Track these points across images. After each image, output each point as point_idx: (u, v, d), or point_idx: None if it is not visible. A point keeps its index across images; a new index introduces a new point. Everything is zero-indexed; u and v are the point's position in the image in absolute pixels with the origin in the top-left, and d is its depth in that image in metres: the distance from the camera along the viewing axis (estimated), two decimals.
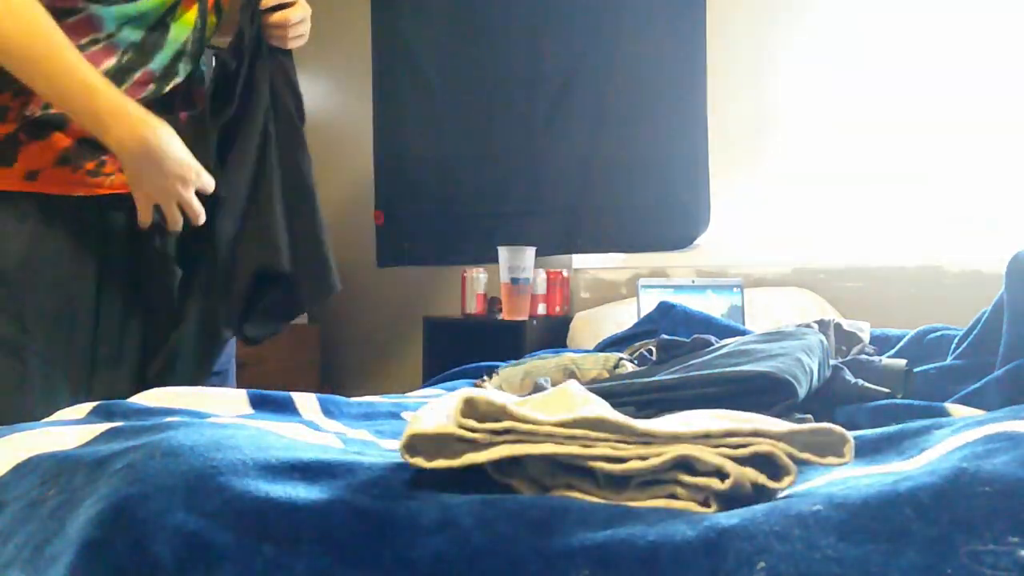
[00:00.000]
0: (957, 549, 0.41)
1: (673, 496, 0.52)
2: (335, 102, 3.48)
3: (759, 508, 0.48)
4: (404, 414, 1.01)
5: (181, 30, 1.18)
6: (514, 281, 2.42)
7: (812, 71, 2.48)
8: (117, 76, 1.11)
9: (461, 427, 0.55)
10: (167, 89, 1.19)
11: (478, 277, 2.69)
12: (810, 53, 2.49)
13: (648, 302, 2.03)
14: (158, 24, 1.15)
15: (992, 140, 2.24)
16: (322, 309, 3.36)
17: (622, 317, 2.27)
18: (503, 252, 2.43)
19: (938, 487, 0.46)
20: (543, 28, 2.86)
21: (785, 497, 0.53)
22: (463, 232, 2.98)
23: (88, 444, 0.66)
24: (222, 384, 1.26)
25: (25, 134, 1.09)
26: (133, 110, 1.06)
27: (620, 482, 0.53)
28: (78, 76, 1.02)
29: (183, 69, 1.21)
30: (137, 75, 1.15)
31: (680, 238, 2.63)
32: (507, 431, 0.54)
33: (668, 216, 2.65)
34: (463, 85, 3.01)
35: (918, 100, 2.32)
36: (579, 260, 2.85)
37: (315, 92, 3.52)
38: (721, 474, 0.51)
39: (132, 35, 1.13)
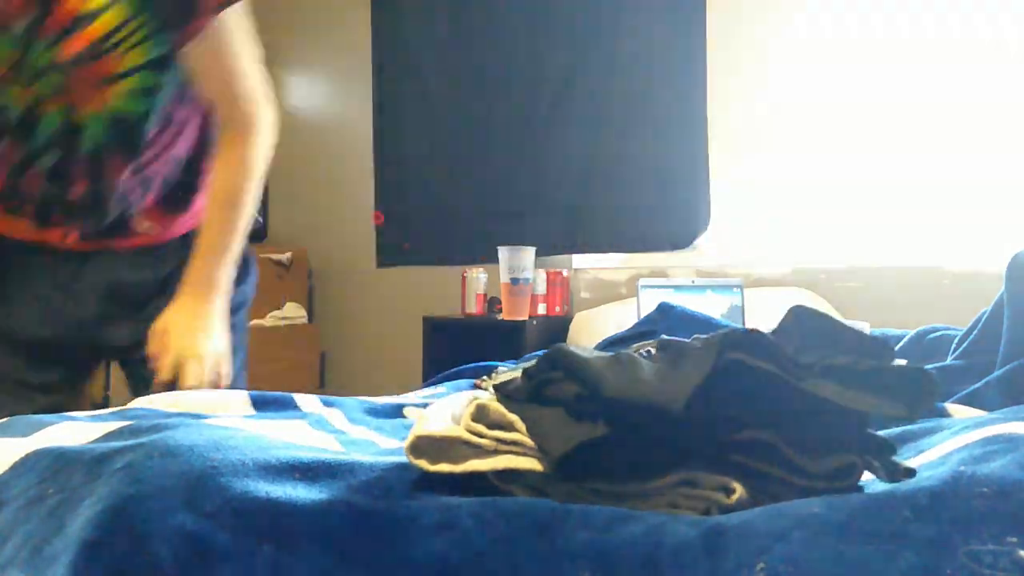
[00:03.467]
0: (956, 549, 0.41)
1: (674, 506, 0.52)
2: (335, 102, 3.48)
3: (759, 510, 0.48)
4: (407, 411, 1.01)
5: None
6: (514, 281, 2.42)
7: (812, 71, 2.48)
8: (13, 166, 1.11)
9: (470, 431, 0.55)
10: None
11: (478, 277, 2.69)
12: (810, 53, 2.48)
13: (648, 302, 2.02)
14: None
15: (992, 140, 2.24)
16: (322, 309, 3.36)
17: (622, 317, 2.27)
18: (503, 252, 2.43)
19: (936, 489, 0.46)
20: (543, 28, 2.86)
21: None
22: (463, 232, 2.98)
23: (89, 442, 0.66)
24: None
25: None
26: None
27: (620, 494, 0.53)
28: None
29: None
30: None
31: (680, 238, 2.63)
32: (514, 443, 0.55)
33: (668, 216, 2.65)
34: (463, 85, 3.01)
35: (919, 100, 2.32)
36: (579, 260, 2.85)
37: (315, 92, 3.52)
38: (727, 489, 0.51)
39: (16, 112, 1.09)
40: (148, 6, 1.00)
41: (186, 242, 1.23)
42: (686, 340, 0.60)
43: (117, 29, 0.99)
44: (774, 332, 0.57)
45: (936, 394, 0.53)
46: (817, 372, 0.54)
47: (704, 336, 0.58)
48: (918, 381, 0.53)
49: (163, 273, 1.22)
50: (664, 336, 1.31)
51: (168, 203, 1.23)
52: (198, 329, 1.12)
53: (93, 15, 0.98)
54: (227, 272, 1.17)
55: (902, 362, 0.55)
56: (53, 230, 1.16)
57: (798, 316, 0.58)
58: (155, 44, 1.03)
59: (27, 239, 1.16)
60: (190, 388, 1.08)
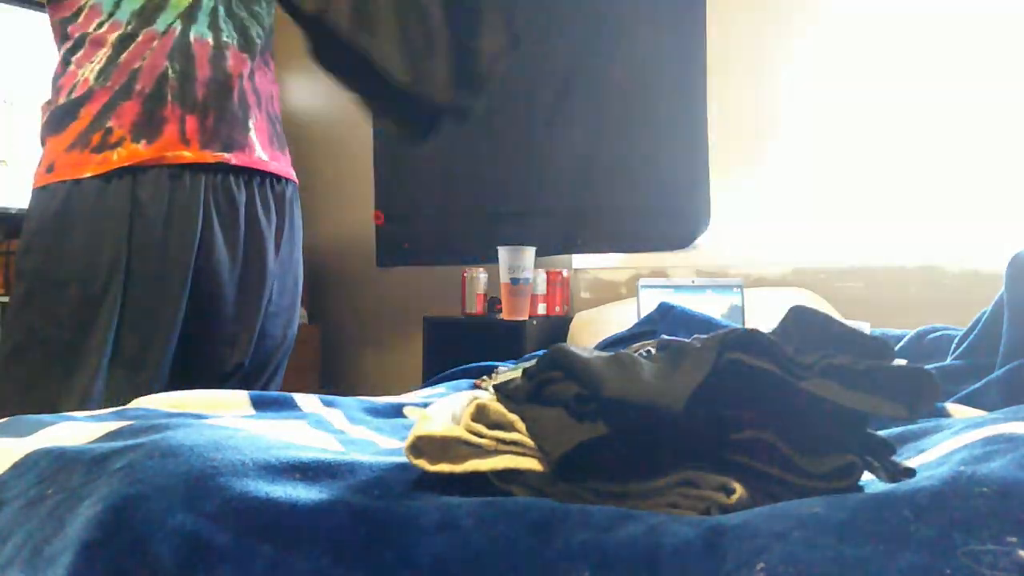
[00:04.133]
0: (955, 549, 0.41)
1: (674, 506, 0.52)
2: (335, 102, 3.48)
3: (759, 510, 0.48)
4: (407, 410, 1.01)
5: None
6: (514, 281, 2.42)
7: (812, 71, 2.48)
8: (124, 42, 1.19)
9: (469, 431, 0.55)
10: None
11: (478, 277, 2.69)
12: (811, 53, 2.48)
13: (648, 302, 2.03)
14: None
15: (992, 140, 2.24)
16: (322, 309, 3.36)
17: (622, 317, 2.26)
18: (503, 252, 2.43)
19: (936, 488, 0.46)
20: (543, 28, 2.86)
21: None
22: (463, 232, 2.98)
23: (89, 442, 0.66)
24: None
25: (48, 129, 1.16)
26: None
27: (620, 494, 0.53)
28: None
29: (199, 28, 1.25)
30: (140, 38, 1.21)
31: (680, 238, 2.63)
32: (514, 443, 0.55)
33: (668, 216, 2.64)
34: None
35: (919, 100, 2.32)
36: (579, 260, 2.85)
37: (315, 92, 3.52)
38: (727, 489, 0.52)
39: (133, 4, 1.20)
40: None
41: (292, 211, 1.35)
42: (686, 340, 0.60)
43: None
44: (774, 332, 0.57)
45: (936, 394, 0.53)
46: (817, 372, 0.54)
47: (704, 336, 0.58)
48: (918, 381, 0.53)
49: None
50: (664, 336, 1.31)
51: (273, 136, 1.35)
52: None
53: None
54: None
55: (902, 362, 0.55)
56: (169, 124, 1.19)
57: (798, 316, 0.58)
58: None
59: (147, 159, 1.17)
60: None
